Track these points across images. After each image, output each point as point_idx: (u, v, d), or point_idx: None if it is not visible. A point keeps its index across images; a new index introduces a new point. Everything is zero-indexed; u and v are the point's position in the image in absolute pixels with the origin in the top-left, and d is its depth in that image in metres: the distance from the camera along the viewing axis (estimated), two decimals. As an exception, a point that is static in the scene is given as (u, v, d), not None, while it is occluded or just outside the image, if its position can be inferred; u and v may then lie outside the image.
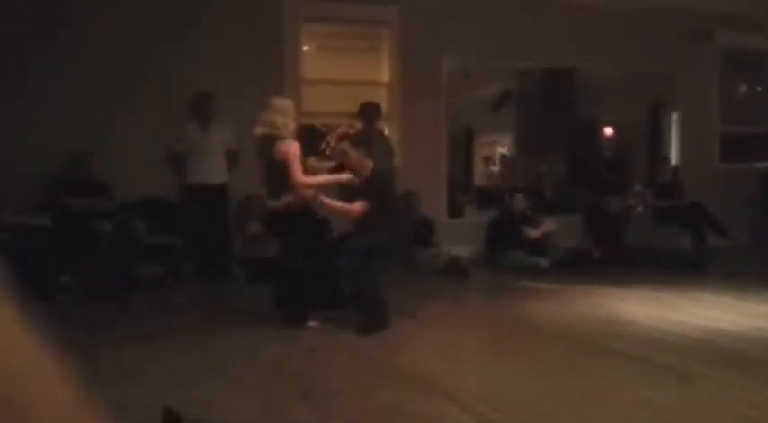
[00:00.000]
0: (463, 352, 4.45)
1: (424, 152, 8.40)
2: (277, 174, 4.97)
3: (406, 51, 8.32)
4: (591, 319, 5.33)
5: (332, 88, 8.26)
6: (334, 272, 4.99)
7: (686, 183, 9.05)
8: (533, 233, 7.85)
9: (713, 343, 4.56)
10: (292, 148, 4.94)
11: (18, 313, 0.53)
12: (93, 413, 0.56)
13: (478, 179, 12.31)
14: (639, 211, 8.48)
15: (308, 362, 4.27)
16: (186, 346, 4.56)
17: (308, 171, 5.17)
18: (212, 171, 6.98)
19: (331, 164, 5.80)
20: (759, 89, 10.65)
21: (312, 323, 4.97)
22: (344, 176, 5.18)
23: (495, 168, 12.44)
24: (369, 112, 7.17)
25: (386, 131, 7.93)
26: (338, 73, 8.33)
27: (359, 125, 7.27)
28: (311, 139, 7.93)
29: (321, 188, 5.18)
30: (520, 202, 8.13)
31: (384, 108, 7.74)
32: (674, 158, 10.07)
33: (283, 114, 5.04)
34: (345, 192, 5.41)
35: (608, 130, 12.02)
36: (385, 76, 8.51)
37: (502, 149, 12.66)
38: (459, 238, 8.06)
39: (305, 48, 8.19)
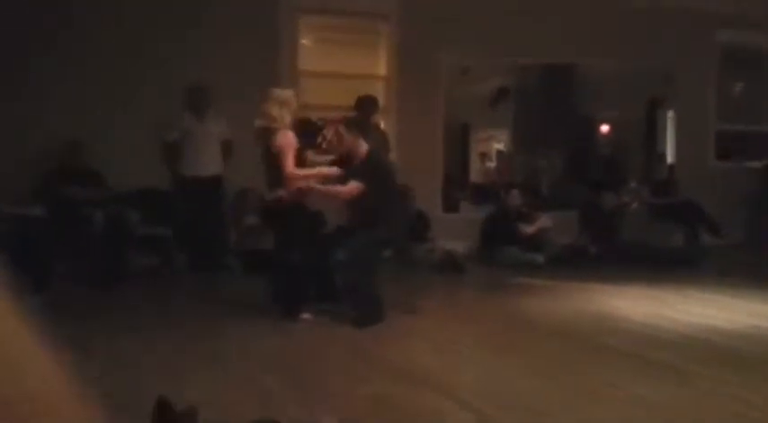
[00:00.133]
0: (458, 347, 4.45)
1: (420, 147, 8.38)
2: (273, 166, 4.96)
3: (405, 45, 8.29)
4: (586, 315, 5.33)
5: (329, 81, 8.23)
6: (327, 265, 4.97)
7: (681, 180, 9.06)
8: (528, 229, 7.85)
9: (708, 340, 4.56)
10: (286, 139, 4.92)
11: (14, 304, 0.52)
12: (88, 404, 0.55)
13: (474, 175, 12.31)
14: (635, 207, 8.48)
15: (303, 354, 4.26)
16: (181, 337, 4.54)
17: (306, 164, 5.15)
18: (208, 163, 6.96)
19: (329, 157, 5.78)
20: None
21: (305, 315, 4.96)
22: (333, 170, 5.17)
23: (492, 164, 12.45)
24: (365, 105, 7.15)
25: (382, 125, 7.90)
26: (336, 66, 8.31)
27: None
28: (308, 131, 7.90)
29: (315, 180, 5.15)
30: (515, 198, 8.13)
31: (381, 102, 7.71)
32: (669, 156, 10.08)
33: (280, 105, 5.01)
34: (341, 180, 5.38)
35: (604, 128, 12.03)
36: (382, 69, 8.48)
37: (498, 145, 12.67)
38: (455, 234, 8.05)
39: (303, 41, 8.15)
